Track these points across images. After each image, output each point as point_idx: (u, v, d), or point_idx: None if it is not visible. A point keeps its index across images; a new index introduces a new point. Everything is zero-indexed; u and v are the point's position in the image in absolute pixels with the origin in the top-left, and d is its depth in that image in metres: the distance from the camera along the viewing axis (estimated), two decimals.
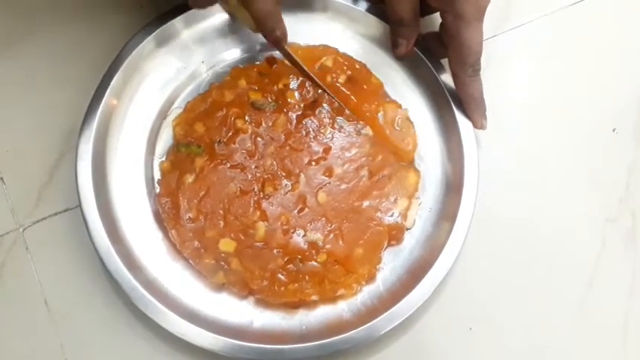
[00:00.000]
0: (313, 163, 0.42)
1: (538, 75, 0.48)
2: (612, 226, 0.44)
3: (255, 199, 0.41)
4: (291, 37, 0.44)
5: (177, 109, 0.43)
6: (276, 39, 0.41)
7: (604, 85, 0.47)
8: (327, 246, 0.40)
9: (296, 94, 0.44)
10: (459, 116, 0.42)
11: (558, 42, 0.48)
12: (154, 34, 0.42)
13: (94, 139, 0.40)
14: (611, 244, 0.43)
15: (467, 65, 0.41)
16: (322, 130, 0.43)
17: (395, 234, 0.41)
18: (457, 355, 0.41)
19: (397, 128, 0.43)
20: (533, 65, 0.48)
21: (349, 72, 0.44)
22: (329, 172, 0.42)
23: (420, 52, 0.44)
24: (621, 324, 0.42)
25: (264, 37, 0.41)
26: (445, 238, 0.40)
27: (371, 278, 0.40)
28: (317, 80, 0.43)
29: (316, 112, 0.43)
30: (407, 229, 0.42)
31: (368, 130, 0.43)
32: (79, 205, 0.39)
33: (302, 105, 0.43)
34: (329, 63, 0.44)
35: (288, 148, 0.42)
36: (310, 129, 0.43)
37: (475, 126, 0.42)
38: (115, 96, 0.41)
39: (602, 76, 0.47)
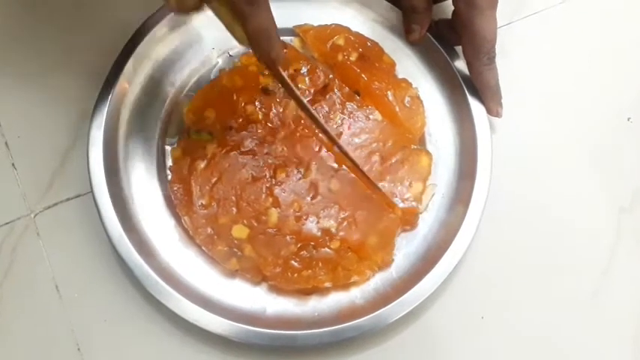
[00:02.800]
0: (325, 149, 0.42)
1: (553, 62, 0.47)
2: (627, 215, 0.43)
3: (267, 185, 0.41)
4: (303, 21, 0.45)
5: (188, 96, 0.43)
6: (271, 62, 0.36)
7: (619, 74, 0.47)
8: (341, 233, 0.40)
9: (306, 79, 0.43)
10: (472, 101, 0.42)
11: (573, 29, 0.48)
12: (165, 19, 0.42)
13: (105, 125, 0.40)
14: (625, 233, 0.43)
15: (481, 53, 0.41)
16: (332, 116, 0.43)
17: (409, 218, 0.41)
18: (469, 343, 0.41)
19: (407, 105, 0.43)
20: (548, 53, 0.47)
21: (361, 50, 0.44)
22: (340, 158, 0.42)
23: (433, 38, 0.43)
24: (635, 313, 0.42)
25: (256, 57, 0.36)
26: (458, 224, 0.40)
27: (385, 265, 0.40)
28: (308, 106, 0.39)
29: (326, 98, 0.43)
30: (420, 214, 0.41)
31: (377, 115, 0.43)
32: (91, 192, 0.39)
33: (312, 90, 0.43)
34: (340, 41, 0.44)
35: (298, 134, 0.42)
36: (321, 114, 0.42)
37: (491, 114, 0.42)
38: (127, 82, 0.41)
39: (617, 64, 0.47)
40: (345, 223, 0.40)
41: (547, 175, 0.44)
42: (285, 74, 0.38)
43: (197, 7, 0.34)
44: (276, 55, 0.36)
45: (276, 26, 0.35)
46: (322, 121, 0.40)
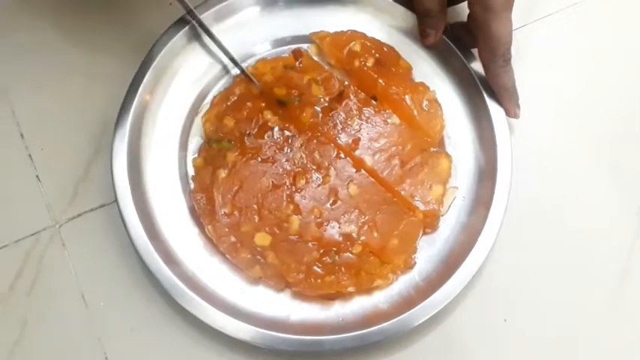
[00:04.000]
0: (342, 155, 0.42)
1: (568, 63, 0.47)
2: None
3: (288, 192, 0.41)
4: (319, 28, 0.45)
5: (207, 105, 0.44)
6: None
7: (635, 74, 0.47)
8: (362, 238, 0.40)
9: (321, 87, 0.44)
10: (490, 103, 0.42)
11: (588, 30, 0.48)
12: (183, 30, 0.43)
13: (128, 136, 0.40)
14: None
15: (497, 56, 0.41)
16: (350, 122, 0.43)
17: (430, 221, 0.41)
18: (492, 346, 0.41)
19: (425, 109, 0.43)
20: (563, 54, 0.47)
21: (377, 55, 0.44)
22: (359, 164, 0.42)
23: (449, 41, 0.44)
24: None
25: None
26: (480, 226, 0.40)
27: (407, 268, 0.40)
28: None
29: (342, 105, 0.43)
30: (441, 216, 0.42)
31: (395, 119, 0.43)
32: (116, 202, 0.39)
33: (327, 98, 0.43)
34: (357, 47, 0.44)
35: (315, 140, 0.42)
36: (337, 121, 0.43)
37: (509, 115, 0.42)
38: (148, 92, 0.42)
39: (633, 64, 0.47)
40: (365, 228, 0.41)
41: (565, 177, 0.44)
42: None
43: None
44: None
45: None
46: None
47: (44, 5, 0.46)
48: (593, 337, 0.41)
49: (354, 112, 0.43)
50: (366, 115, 0.43)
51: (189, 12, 0.42)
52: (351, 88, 0.44)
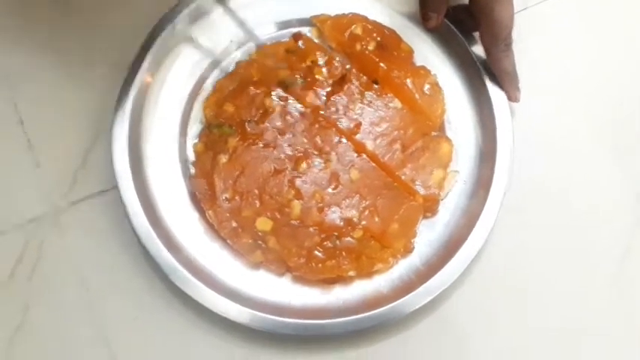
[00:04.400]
0: (344, 139, 0.42)
1: (570, 47, 0.47)
2: None
3: (289, 177, 0.41)
4: (320, 11, 0.45)
5: (207, 89, 0.43)
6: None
7: (637, 58, 0.46)
8: (363, 222, 0.40)
9: (324, 70, 0.43)
10: (491, 87, 0.42)
11: (590, 13, 0.48)
12: (183, 13, 0.42)
13: (128, 121, 0.40)
14: None
15: (499, 40, 0.41)
16: (352, 106, 0.43)
17: (430, 205, 0.41)
18: (491, 330, 0.41)
19: (426, 93, 0.43)
20: (564, 37, 0.47)
21: (379, 38, 0.44)
22: (360, 148, 0.42)
23: (450, 24, 0.43)
24: None
25: None
26: (479, 210, 0.40)
27: (407, 252, 0.41)
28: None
29: (345, 88, 0.43)
30: (441, 200, 0.42)
31: (397, 103, 0.43)
32: (117, 187, 0.39)
33: (330, 81, 0.43)
34: (358, 31, 0.44)
35: (317, 125, 0.42)
36: (340, 105, 0.43)
37: (510, 99, 0.42)
38: (148, 76, 0.41)
39: (636, 47, 0.47)
40: (366, 212, 0.40)
41: (567, 160, 0.44)
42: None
43: None
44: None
45: None
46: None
47: None
48: (593, 322, 0.42)
49: (356, 96, 0.43)
50: (368, 99, 0.43)
51: None
52: (353, 71, 0.43)
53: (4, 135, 0.43)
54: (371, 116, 0.43)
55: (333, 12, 0.45)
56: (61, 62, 0.44)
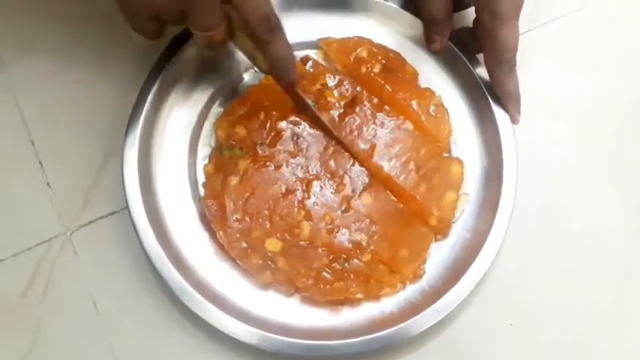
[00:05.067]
0: (356, 164, 0.42)
1: (571, 69, 0.48)
2: None
3: (300, 199, 0.41)
4: (326, 34, 0.46)
5: (216, 111, 0.44)
6: (290, 85, 0.41)
7: (637, 80, 0.47)
8: (372, 247, 0.41)
9: (335, 92, 0.44)
10: (496, 108, 0.43)
11: (591, 36, 0.48)
12: (192, 38, 0.42)
13: (138, 142, 0.40)
14: None
15: (503, 62, 0.41)
16: (365, 128, 0.43)
17: (442, 228, 0.42)
18: (499, 350, 0.42)
19: (432, 114, 0.44)
20: (566, 59, 0.48)
21: (384, 61, 0.45)
22: (376, 170, 0.42)
23: (454, 47, 0.44)
24: None
25: (277, 81, 0.41)
26: (486, 231, 0.40)
27: (416, 277, 0.41)
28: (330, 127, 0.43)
29: (357, 110, 0.43)
30: (453, 222, 0.42)
31: (408, 125, 0.43)
32: (127, 209, 0.40)
33: (342, 103, 0.44)
34: (364, 54, 0.45)
35: (331, 149, 0.43)
36: (353, 127, 0.43)
37: (512, 121, 0.43)
38: (157, 99, 0.42)
39: (636, 68, 0.48)
40: (376, 237, 0.41)
41: (568, 180, 0.45)
42: (308, 100, 0.42)
43: (224, 42, 0.38)
44: (294, 78, 0.40)
45: (292, 51, 0.39)
46: (344, 140, 0.43)
47: (52, 7, 0.46)
48: (599, 338, 0.42)
49: (369, 117, 0.43)
50: (380, 120, 0.43)
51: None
52: (364, 93, 0.44)
53: (15, 155, 0.44)
54: (384, 138, 0.43)
55: (338, 35, 0.45)
56: (72, 82, 0.45)
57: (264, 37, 0.37)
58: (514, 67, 0.42)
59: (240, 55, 0.44)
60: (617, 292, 0.43)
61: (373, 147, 0.43)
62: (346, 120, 0.43)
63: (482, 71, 0.44)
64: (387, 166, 0.42)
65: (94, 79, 0.45)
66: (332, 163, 0.42)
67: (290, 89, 0.41)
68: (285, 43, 0.38)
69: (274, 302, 0.40)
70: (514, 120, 0.43)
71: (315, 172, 0.42)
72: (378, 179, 0.42)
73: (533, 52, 0.47)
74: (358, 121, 0.43)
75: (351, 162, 0.42)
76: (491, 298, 0.42)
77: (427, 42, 0.45)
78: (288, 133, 0.43)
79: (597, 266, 0.43)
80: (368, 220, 0.41)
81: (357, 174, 0.42)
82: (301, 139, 0.43)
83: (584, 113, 0.47)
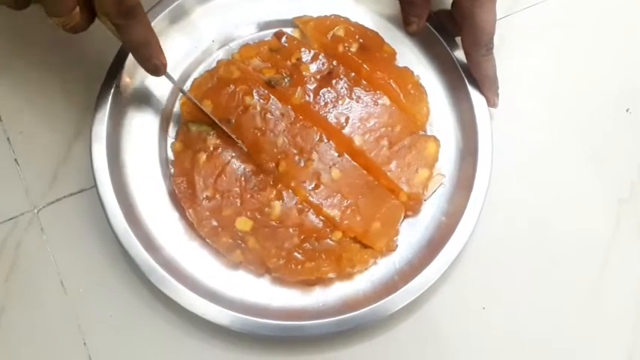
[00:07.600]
0: (325, 139, 0.42)
1: (551, 54, 0.47)
2: (626, 206, 0.44)
3: (270, 177, 0.41)
4: (302, 13, 0.45)
5: (188, 87, 0.43)
6: (154, 68, 0.38)
7: (617, 65, 0.47)
8: (345, 221, 0.40)
9: (310, 66, 0.43)
10: (472, 91, 0.43)
11: (572, 21, 0.48)
12: (165, 12, 0.42)
13: (107, 120, 0.40)
14: (624, 224, 0.43)
15: (480, 45, 0.41)
16: (340, 101, 0.43)
17: (413, 204, 0.41)
18: (471, 333, 0.41)
19: (411, 92, 0.43)
20: (546, 44, 0.47)
21: (361, 40, 0.44)
22: (347, 143, 0.42)
23: (432, 29, 0.44)
24: (635, 305, 0.42)
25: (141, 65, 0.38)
26: (460, 212, 0.40)
27: (390, 250, 0.41)
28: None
29: (333, 84, 0.43)
30: (424, 200, 0.42)
31: (386, 100, 0.43)
32: (95, 187, 0.39)
33: (318, 77, 0.43)
34: (341, 32, 0.44)
35: (299, 124, 0.42)
36: (328, 100, 0.42)
37: (488, 104, 0.43)
38: (128, 76, 0.41)
39: (616, 56, 0.47)
40: (348, 211, 0.40)
41: (546, 166, 0.45)
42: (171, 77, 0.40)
43: (83, 27, 0.35)
44: (154, 67, 0.37)
45: (155, 37, 0.37)
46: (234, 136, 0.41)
47: None
48: (571, 326, 0.42)
49: (345, 91, 0.43)
50: (357, 94, 0.43)
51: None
52: (340, 67, 0.43)
53: None
54: (360, 112, 0.42)
55: (315, 13, 0.45)
56: (42, 59, 0.44)
57: (118, 21, 0.34)
58: (491, 50, 0.42)
59: (213, 31, 0.44)
60: (592, 277, 0.43)
61: (347, 120, 0.42)
62: (321, 92, 0.42)
63: (460, 54, 0.43)
64: (360, 140, 0.42)
65: (65, 55, 0.44)
66: (300, 138, 0.42)
67: (156, 75, 0.38)
68: (144, 28, 0.35)
69: (245, 282, 0.40)
70: (492, 103, 0.43)
71: (284, 148, 0.41)
72: (349, 154, 0.42)
73: (512, 37, 0.46)
74: (334, 93, 0.43)
75: (319, 137, 0.42)
76: (465, 282, 0.42)
77: (405, 24, 0.44)
78: (255, 107, 0.42)
79: (573, 253, 0.43)
80: (339, 195, 0.41)
81: (326, 149, 0.42)
82: (269, 114, 0.42)
83: (563, 98, 0.46)
